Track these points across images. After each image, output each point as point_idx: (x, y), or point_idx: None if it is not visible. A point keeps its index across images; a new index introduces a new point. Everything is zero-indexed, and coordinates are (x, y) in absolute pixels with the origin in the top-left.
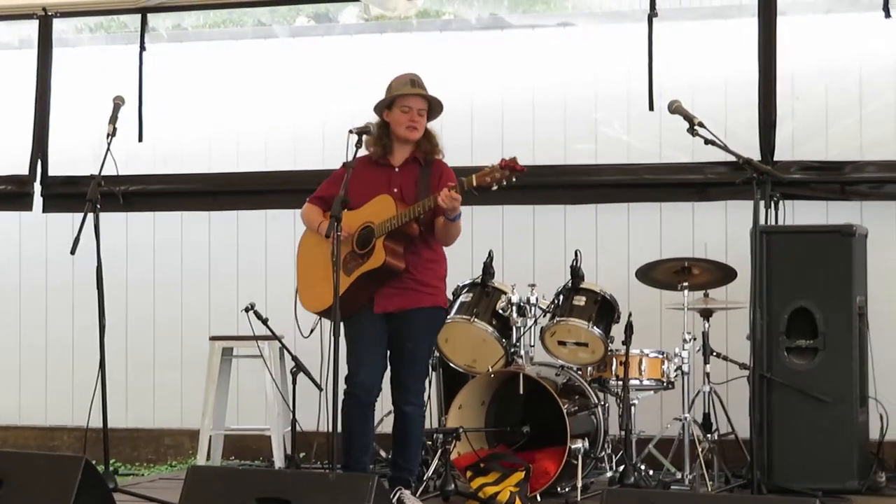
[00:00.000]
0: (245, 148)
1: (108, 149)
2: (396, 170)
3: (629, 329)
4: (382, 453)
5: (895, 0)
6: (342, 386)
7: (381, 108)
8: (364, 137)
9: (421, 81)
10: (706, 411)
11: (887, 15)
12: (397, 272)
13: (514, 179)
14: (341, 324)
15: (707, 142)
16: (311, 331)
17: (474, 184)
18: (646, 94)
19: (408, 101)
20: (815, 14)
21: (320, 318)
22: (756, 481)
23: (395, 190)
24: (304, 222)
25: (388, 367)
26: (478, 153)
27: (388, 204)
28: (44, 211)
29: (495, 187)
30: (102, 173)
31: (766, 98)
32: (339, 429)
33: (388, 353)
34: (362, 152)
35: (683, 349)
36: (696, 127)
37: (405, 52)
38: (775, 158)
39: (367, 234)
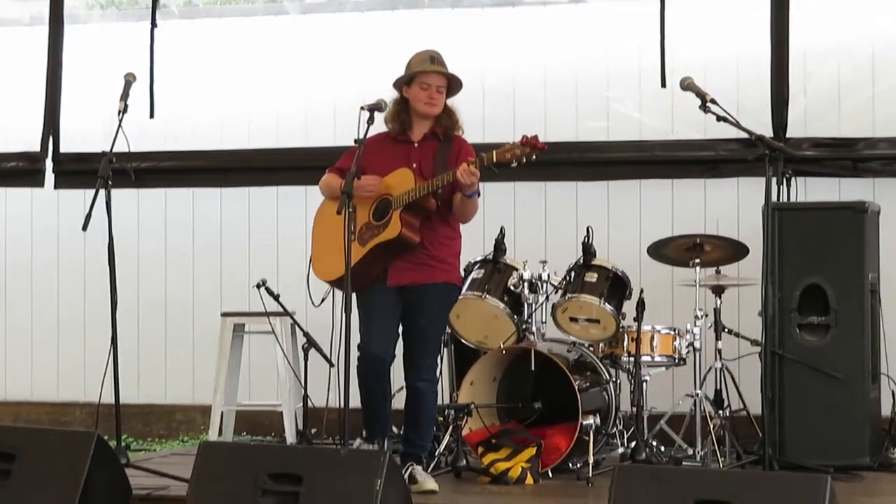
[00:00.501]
0: (256, 125)
1: (120, 126)
2: (416, 145)
3: (641, 305)
4: (395, 429)
5: None
6: (353, 362)
7: (400, 84)
8: (381, 114)
9: (441, 58)
10: (718, 388)
11: None
12: (412, 245)
13: (534, 157)
14: (353, 295)
15: (719, 118)
16: (322, 300)
17: (494, 160)
18: (658, 71)
19: (427, 77)
20: None
21: (332, 288)
22: (768, 458)
23: (415, 165)
24: (323, 191)
25: (401, 341)
26: (489, 130)
27: (406, 176)
28: (55, 187)
29: (515, 164)
30: (114, 150)
31: (778, 75)
32: (358, 393)
33: (401, 327)
34: (379, 129)
35: (695, 325)
36: (708, 104)
37: (417, 29)
38: (787, 135)
39: (384, 206)
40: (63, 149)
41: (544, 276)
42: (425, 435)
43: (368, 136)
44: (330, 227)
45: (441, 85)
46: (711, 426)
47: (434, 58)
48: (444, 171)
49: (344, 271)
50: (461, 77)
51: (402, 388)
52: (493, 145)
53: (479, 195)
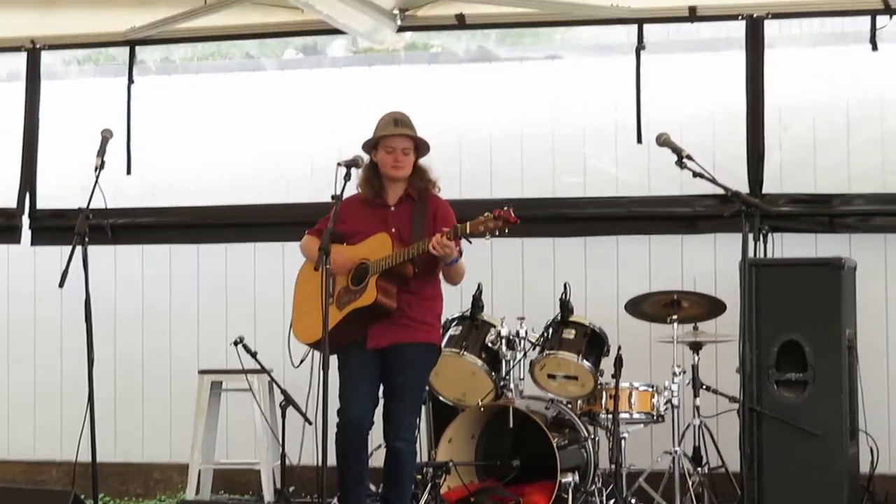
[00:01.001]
0: (233, 181)
1: (97, 182)
2: (392, 208)
3: (619, 362)
4: (373, 487)
5: (882, 33)
6: (332, 419)
7: (368, 149)
8: (356, 175)
9: (406, 120)
10: (696, 444)
11: (874, 48)
12: (388, 311)
13: (506, 231)
14: (334, 357)
15: (695, 174)
16: (301, 360)
17: (468, 231)
18: (634, 126)
19: (391, 141)
20: (803, 47)
21: (311, 350)
22: None
23: (393, 230)
24: (304, 253)
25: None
26: (466, 186)
27: (384, 242)
28: (32, 244)
29: (488, 237)
30: (91, 206)
31: (753, 130)
32: (335, 461)
33: (381, 387)
34: (353, 186)
35: (673, 382)
36: (684, 160)
37: (393, 85)
38: (764, 191)
39: (362, 272)
40: (40, 205)
41: (522, 333)
42: (404, 495)
43: (346, 195)
44: (309, 290)
45: (407, 147)
46: (690, 483)
47: (398, 120)
48: (421, 234)
49: (321, 333)
50: (438, 132)
51: (380, 445)
52: (469, 202)
53: (461, 257)
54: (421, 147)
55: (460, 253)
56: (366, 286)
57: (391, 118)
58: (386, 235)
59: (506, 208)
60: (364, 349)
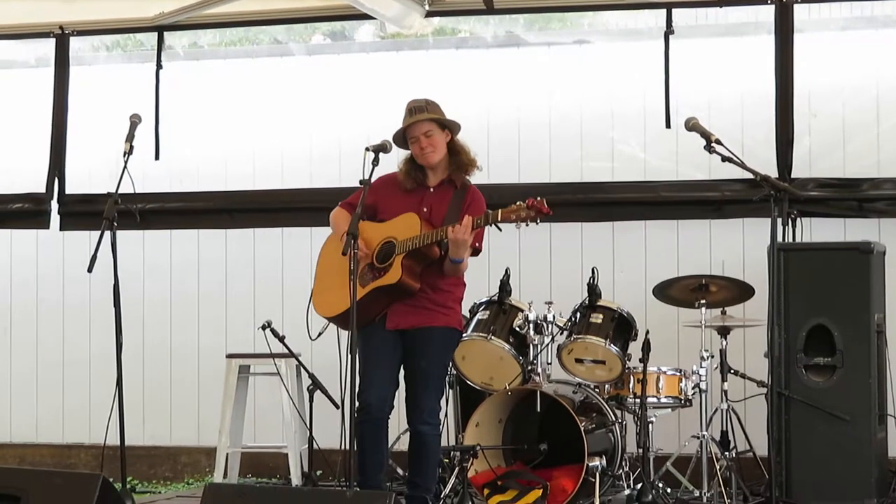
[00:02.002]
0: (261, 166)
1: (125, 167)
2: (431, 190)
3: (646, 346)
4: (400, 471)
5: None
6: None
7: (400, 144)
8: (386, 155)
9: (422, 105)
10: (724, 429)
11: None
12: (412, 291)
13: (538, 221)
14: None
15: (724, 159)
16: (319, 334)
17: (499, 218)
18: (662, 111)
19: (411, 130)
20: (832, 31)
21: (328, 324)
22: (774, 499)
23: (425, 209)
24: (332, 225)
25: (403, 385)
26: (494, 171)
27: (413, 222)
28: (61, 229)
29: (518, 225)
30: (119, 191)
31: (783, 115)
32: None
33: (403, 370)
34: (381, 171)
35: (701, 367)
36: (713, 144)
37: (421, 70)
38: (792, 175)
39: (388, 249)
40: (68, 190)
41: (549, 317)
42: (430, 478)
43: (376, 175)
44: (332, 264)
45: (428, 130)
46: (718, 467)
47: (413, 109)
48: (453, 220)
49: (342, 309)
50: (466, 117)
51: (406, 430)
52: (497, 187)
53: (462, 262)
54: (448, 125)
55: (478, 251)
56: (391, 265)
57: (408, 108)
58: (414, 215)
59: (539, 199)
60: (383, 329)
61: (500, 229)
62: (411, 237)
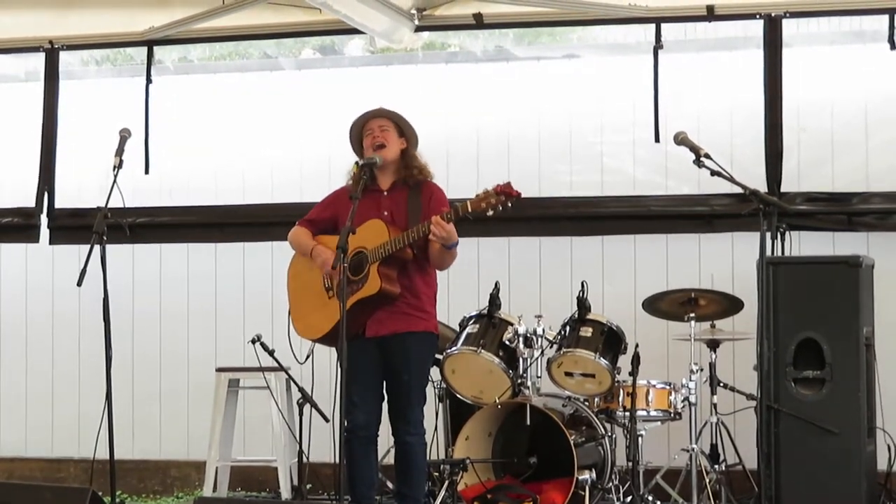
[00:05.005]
0: (251, 180)
1: (115, 181)
2: (385, 193)
3: (636, 360)
4: (389, 485)
5: None
6: None
7: (356, 148)
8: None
9: (380, 109)
10: (713, 442)
11: (892, 47)
12: (393, 298)
13: (509, 205)
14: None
15: (713, 173)
16: (307, 357)
17: (469, 209)
18: (651, 125)
19: (367, 126)
20: (821, 46)
21: (314, 344)
22: None
23: (385, 213)
24: (293, 245)
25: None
26: (483, 184)
27: (379, 228)
28: (50, 243)
29: (490, 213)
30: (109, 205)
31: (771, 129)
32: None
33: (385, 382)
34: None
35: (690, 380)
36: (702, 158)
37: (411, 85)
38: (782, 190)
39: (360, 260)
40: (58, 204)
41: (539, 331)
42: (418, 487)
43: (331, 190)
44: (305, 284)
45: (383, 124)
46: (707, 481)
47: (369, 111)
48: (417, 219)
49: (328, 329)
50: (455, 131)
51: (392, 447)
52: None
53: (457, 245)
54: (404, 128)
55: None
56: (367, 275)
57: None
58: (379, 221)
59: (507, 181)
60: (364, 341)
61: (471, 219)
62: (381, 244)
